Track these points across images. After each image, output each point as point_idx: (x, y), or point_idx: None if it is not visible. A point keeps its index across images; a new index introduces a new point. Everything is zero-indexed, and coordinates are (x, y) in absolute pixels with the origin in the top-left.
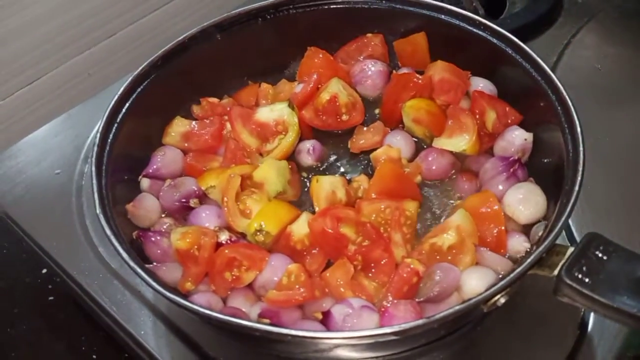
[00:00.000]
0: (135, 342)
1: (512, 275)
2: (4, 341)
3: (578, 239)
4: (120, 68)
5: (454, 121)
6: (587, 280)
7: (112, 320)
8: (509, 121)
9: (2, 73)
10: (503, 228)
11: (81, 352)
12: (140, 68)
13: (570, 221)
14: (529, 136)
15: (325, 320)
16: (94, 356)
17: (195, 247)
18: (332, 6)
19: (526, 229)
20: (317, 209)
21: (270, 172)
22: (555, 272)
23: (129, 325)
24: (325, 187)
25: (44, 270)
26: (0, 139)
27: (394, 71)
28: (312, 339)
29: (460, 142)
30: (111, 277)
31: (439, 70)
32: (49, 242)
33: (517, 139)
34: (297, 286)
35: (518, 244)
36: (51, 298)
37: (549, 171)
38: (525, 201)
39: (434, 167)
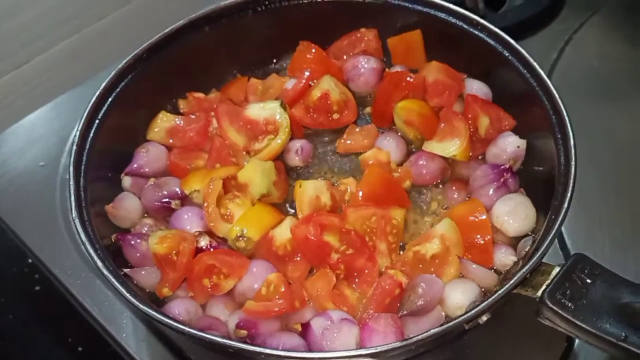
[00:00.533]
0: (117, 343)
1: (494, 296)
2: None
3: (570, 247)
4: (109, 54)
5: (446, 125)
6: (570, 304)
7: (94, 321)
8: (503, 127)
9: None
10: (490, 238)
11: (67, 343)
12: (124, 62)
13: (562, 227)
14: (522, 143)
15: (304, 333)
16: (80, 348)
17: (174, 252)
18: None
19: (514, 241)
20: (300, 215)
21: (255, 174)
22: (539, 293)
23: (110, 327)
24: (309, 192)
25: (30, 260)
26: None
27: (387, 69)
28: (287, 358)
29: (451, 147)
30: (94, 277)
31: (434, 72)
32: (31, 238)
33: (509, 145)
34: (276, 297)
35: (504, 257)
36: (37, 288)
37: (540, 181)
38: (514, 213)
39: (423, 172)
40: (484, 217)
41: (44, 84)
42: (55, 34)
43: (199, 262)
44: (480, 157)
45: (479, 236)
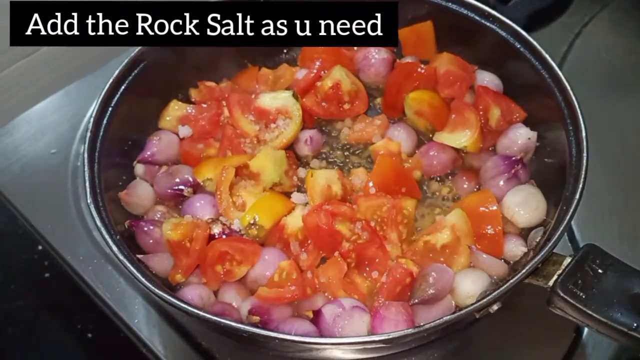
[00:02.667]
0: (129, 329)
1: (506, 285)
2: (0, 317)
3: (580, 239)
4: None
5: (457, 116)
6: (581, 294)
7: (106, 306)
8: (514, 118)
9: None
10: (500, 229)
11: (76, 330)
12: (137, 49)
13: (572, 222)
14: (533, 135)
15: (316, 320)
16: (89, 335)
17: (187, 239)
18: None
19: (524, 233)
20: (311, 203)
21: (267, 162)
22: (550, 283)
23: (123, 313)
24: (320, 181)
25: (40, 247)
26: None
27: (397, 60)
28: (300, 343)
29: (462, 137)
30: (105, 263)
31: (445, 63)
32: (43, 224)
33: (520, 137)
34: (288, 284)
35: (515, 247)
36: (47, 275)
37: (551, 172)
38: (525, 204)
39: (434, 163)
40: (494, 207)
41: (53, 72)
42: None
43: (212, 249)
44: (490, 149)
45: (489, 226)
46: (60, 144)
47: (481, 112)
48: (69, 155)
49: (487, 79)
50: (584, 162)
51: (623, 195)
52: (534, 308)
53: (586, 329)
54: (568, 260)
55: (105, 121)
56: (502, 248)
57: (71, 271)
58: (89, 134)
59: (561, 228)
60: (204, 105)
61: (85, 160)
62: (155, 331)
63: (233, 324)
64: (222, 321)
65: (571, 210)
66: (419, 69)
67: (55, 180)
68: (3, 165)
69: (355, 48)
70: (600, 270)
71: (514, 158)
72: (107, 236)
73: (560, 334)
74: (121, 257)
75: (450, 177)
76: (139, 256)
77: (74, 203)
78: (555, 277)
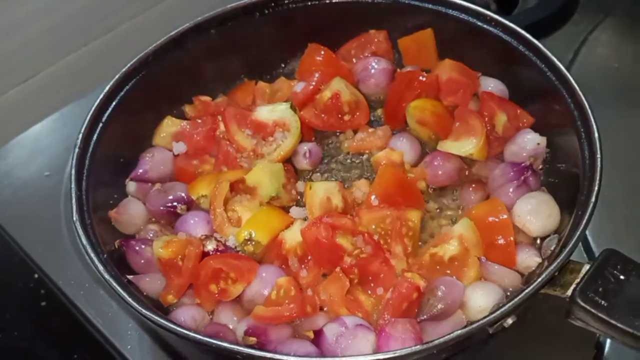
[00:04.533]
0: (121, 356)
1: (520, 295)
2: None
3: (595, 250)
4: (116, 66)
5: (461, 123)
6: (603, 302)
7: (98, 333)
8: (521, 124)
9: None
10: (512, 239)
11: None
12: (129, 65)
13: (587, 231)
14: (542, 140)
15: (317, 340)
16: None
17: (179, 256)
18: (333, 0)
19: (536, 243)
20: (310, 217)
21: (264, 176)
22: (569, 292)
23: (115, 339)
24: (319, 193)
25: (36, 275)
26: None
27: (398, 70)
28: None
29: (467, 145)
30: (97, 287)
31: (447, 70)
32: (35, 249)
33: (529, 143)
34: (286, 301)
35: (528, 257)
36: (43, 304)
37: (563, 179)
38: (537, 212)
39: (439, 172)
40: (505, 216)
41: (49, 97)
42: (60, 48)
43: (206, 267)
44: (497, 157)
45: (500, 237)
46: (54, 166)
47: (486, 119)
48: (62, 178)
49: (491, 85)
50: (598, 164)
51: (638, 203)
52: (550, 324)
53: (607, 344)
54: (587, 267)
55: (95, 138)
56: (514, 258)
57: (63, 297)
58: (77, 150)
59: (577, 233)
60: (199, 121)
61: (73, 178)
62: (148, 358)
63: (226, 345)
64: (214, 342)
65: (587, 214)
66: (420, 77)
67: (48, 203)
68: None
69: (354, 59)
70: (622, 277)
71: (523, 164)
72: (92, 255)
73: (579, 351)
74: (107, 277)
75: (457, 188)
76: (129, 277)
77: (66, 226)
78: (573, 285)
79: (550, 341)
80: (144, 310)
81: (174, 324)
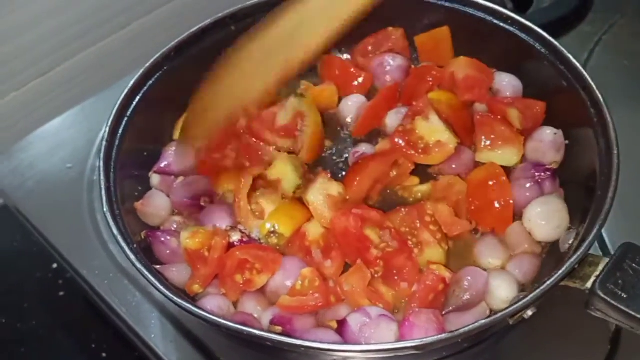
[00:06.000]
0: (145, 344)
1: (541, 288)
2: (13, 336)
3: (611, 248)
4: (136, 59)
5: (488, 131)
6: (622, 294)
7: (122, 322)
8: (535, 112)
9: (16, 63)
10: (511, 202)
11: (91, 350)
12: (152, 60)
13: (602, 230)
14: (558, 131)
15: (341, 330)
16: (104, 354)
17: (206, 247)
18: None
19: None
20: (322, 222)
21: (286, 168)
22: (589, 284)
23: (138, 327)
24: (317, 198)
25: (55, 265)
26: (14, 131)
27: (413, 66)
28: (328, 351)
29: (510, 156)
30: (122, 277)
31: (463, 67)
32: (59, 239)
33: (547, 135)
34: (311, 292)
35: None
36: (61, 293)
37: (580, 176)
38: (547, 219)
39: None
40: (503, 178)
41: (69, 90)
42: (80, 42)
43: (231, 257)
44: None
45: (497, 201)
46: (76, 159)
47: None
48: (85, 169)
49: (505, 80)
50: (615, 159)
51: None
52: (565, 319)
53: (622, 342)
54: (605, 260)
55: (120, 131)
56: (511, 221)
57: (87, 286)
58: (104, 143)
59: (596, 227)
60: None
61: (101, 169)
62: (172, 346)
63: (257, 332)
64: (245, 329)
65: (605, 207)
66: (434, 72)
67: (70, 194)
68: (19, 182)
69: (370, 55)
70: None
71: (545, 166)
72: (124, 245)
73: (594, 347)
74: (139, 266)
75: None
76: (156, 267)
77: (89, 217)
78: (593, 278)
79: (565, 336)
80: (176, 299)
81: (207, 312)
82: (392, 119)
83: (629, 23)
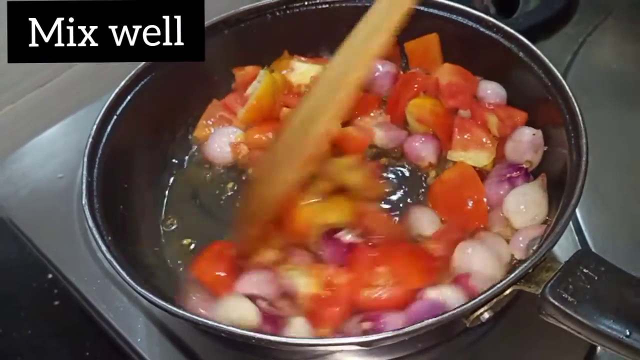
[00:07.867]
0: (132, 349)
1: (491, 290)
2: (9, 346)
3: (592, 246)
4: (128, 71)
5: (464, 133)
6: (572, 300)
7: (110, 327)
8: (515, 121)
9: (12, 75)
10: (484, 200)
11: (85, 358)
12: (143, 64)
13: (583, 228)
14: (537, 131)
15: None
16: None
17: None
18: (342, 4)
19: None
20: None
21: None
22: (541, 289)
23: (125, 332)
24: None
25: (50, 275)
26: (8, 143)
27: (401, 72)
28: (302, 346)
29: (481, 158)
30: (109, 283)
31: (446, 74)
32: (50, 248)
33: (525, 135)
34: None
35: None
36: (56, 303)
37: (556, 182)
38: (525, 209)
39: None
40: (474, 176)
41: (63, 102)
42: None
43: None
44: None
45: (470, 199)
46: (67, 169)
47: (479, 123)
48: (75, 179)
49: (490, 88)
50: (583, 170)
51: (636, 203)
52: (542, 325)
53: (598, 349)
54: (561, 266)
55: (108, 129)
56: (486, 218)
57: (76, 293)
58: (90, 140)
59: (552, 236)
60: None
61: (85, 165)
62: (157, 350)
63: (239, 331)
64: (226, 328)
65: (563, 219)
66: (419, 78)
67: (61, 203)
68: (12, 191)
69: None
70: (594, 276)
71: (517, 165)
72: (97, 237)
73: (571, 353)
74: (109, 257)
75: None
76: None
77: (79, 225)
78: (545, 282)
79: (543, 343)
80: (150, 295)
81: (186, 311)
82: None
83: (614, 23)
